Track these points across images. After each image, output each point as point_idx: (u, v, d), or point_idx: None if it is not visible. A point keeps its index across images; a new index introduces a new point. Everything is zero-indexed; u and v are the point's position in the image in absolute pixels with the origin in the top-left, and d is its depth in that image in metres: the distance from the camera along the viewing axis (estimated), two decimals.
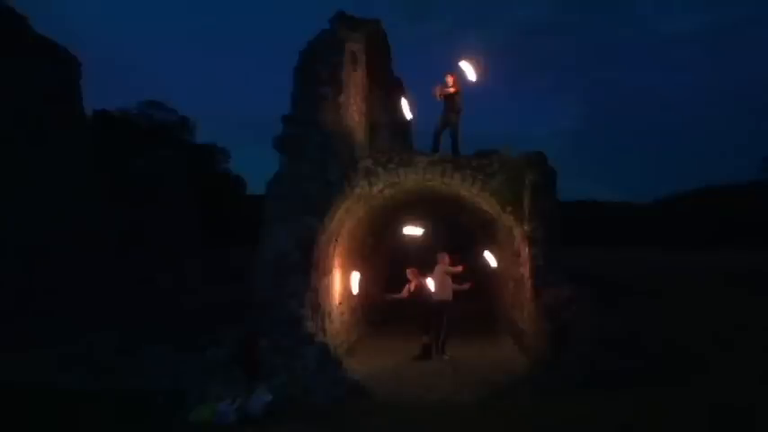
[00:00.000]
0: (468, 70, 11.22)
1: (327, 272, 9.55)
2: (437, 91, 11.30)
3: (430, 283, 10.59)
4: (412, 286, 10.85)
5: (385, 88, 13.01)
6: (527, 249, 9.67)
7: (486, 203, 10.49)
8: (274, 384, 7.45)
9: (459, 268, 10.93)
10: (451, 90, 11.27)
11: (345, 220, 10.08)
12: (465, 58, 11.24)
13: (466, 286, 10.90)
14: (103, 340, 10.80)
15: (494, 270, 12.76)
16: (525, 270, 9.91)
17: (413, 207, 12.35)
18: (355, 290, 11.00)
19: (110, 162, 18.93)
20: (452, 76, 11.43)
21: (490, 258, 11.56)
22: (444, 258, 10.88)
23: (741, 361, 8.81)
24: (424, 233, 12.14)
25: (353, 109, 10.55)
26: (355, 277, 10.98)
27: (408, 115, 12.40)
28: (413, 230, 11.80)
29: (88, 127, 18.71)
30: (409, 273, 11.01)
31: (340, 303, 10.66)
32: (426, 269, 10.90)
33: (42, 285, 13.70)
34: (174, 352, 9.22)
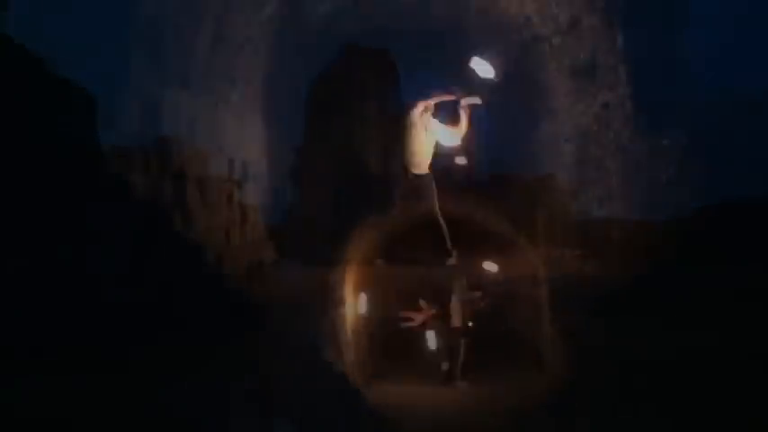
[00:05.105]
0: (482, 67, 9.11)
1: (343, 300, 9.53)
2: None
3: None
4: (422, 317, 10.65)
5: (395, 117, 13.12)
6: (543, 271, 9.60)
7: (500, 227, 10.46)
8: (292, 416, 7.38)
9: (479, 293, 10.73)
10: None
11: (359, 248, 10.10)
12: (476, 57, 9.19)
13: (477, 294, 10.57)
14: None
15: (512, 293, 12.61)
16: (543, 292, 9.82)
17: (426, 233, 12.31)
18: (363, 310, 10.64)
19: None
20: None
21: (490, 267, 10.79)
22: (461, 283, 10.70)
23: None
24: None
25: (365, 139, 10.65)
26: (363, 299, 10.65)
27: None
28: None
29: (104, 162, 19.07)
30: (422, 304, 10.71)
31: (356, 332, 10.60)
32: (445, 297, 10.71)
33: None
34: (188, 383, 9.17)
